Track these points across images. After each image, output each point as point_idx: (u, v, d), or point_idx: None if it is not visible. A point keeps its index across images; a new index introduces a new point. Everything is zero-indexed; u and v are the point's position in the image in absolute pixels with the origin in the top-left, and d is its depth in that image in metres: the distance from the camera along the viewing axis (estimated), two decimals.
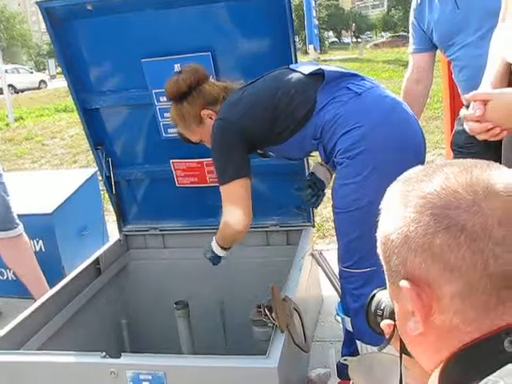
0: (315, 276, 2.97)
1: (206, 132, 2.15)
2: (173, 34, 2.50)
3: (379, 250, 0.78)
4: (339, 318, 2.50)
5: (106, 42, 2.55)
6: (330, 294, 3.12)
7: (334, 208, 1.97)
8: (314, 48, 18.29)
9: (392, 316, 0.85)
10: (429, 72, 2.42)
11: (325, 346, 2.71)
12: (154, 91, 2.65)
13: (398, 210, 0.72)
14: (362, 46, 29.99)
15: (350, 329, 2.12)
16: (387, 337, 0.84)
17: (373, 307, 0.93)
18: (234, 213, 2.06)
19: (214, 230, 2.99)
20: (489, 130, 1.39)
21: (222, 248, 2.29)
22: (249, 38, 2.49)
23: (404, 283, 0.70)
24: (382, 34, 57.08)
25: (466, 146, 2.24)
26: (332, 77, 1.95)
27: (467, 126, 1.46)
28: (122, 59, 2.59)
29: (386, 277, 0.78)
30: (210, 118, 2.14)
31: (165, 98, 2.62)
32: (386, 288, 0.88)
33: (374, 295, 0.94)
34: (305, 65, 2.13)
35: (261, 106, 2.01)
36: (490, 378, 0.64)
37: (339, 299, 2.64)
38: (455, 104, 2.89)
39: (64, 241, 3.36)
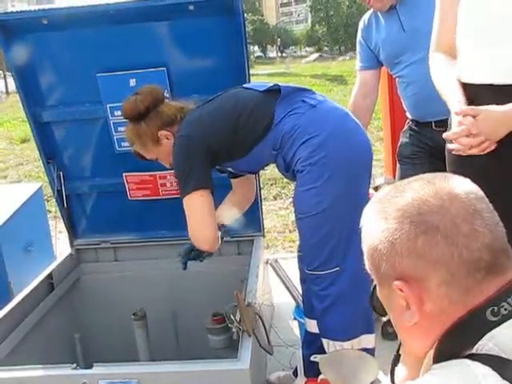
0: (267, 283, 3.07)
1: (163, 151, 2.21)
2: (129, 49, 2.55)
3: (367, 262, 0.92)
4: (295, 322, 2.60)
5: (61, 57, 2.58)
6: (281, 301, 3.23)
7: (296, 214, 2.08)
8: None
9: None
10: (375, 87, 2.60)
11: (280, 350, 2.79)
12: (108, 105, 2.68)
13: (380, 224, 0.87)
14: (288, 61, 30.52)
15: (313, 330, 2.22)
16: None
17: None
18: (199, 231, 2.11)
19: (166, 243, 3.07)
20: (479, 145, 1.46)
21: None
22: (204, 54, 2.58)
23: (397, 282, 0.84)
24: (306, 48, 58.47)
25: (411, 157, 2.42)
26: (287, 91, 2.08)
27: (457, 145, 1.51)
28: (77, 73, 2.61)
29: (377, 282, 0.92)
30: (167, 138, 2.19)
31: (119, 113, 2.66)
32: None
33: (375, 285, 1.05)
34: (257, 84, 2.26)
35: (221, 122, 2.10)
36: (479, 343, 0.79)
37: (295, 304, 2.76)
38: (395, 117, 3.08)
39: (10, 256, 3.28)
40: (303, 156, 1.98)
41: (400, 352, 0.97)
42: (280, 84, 2.13)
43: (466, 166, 1.57)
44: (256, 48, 54.95)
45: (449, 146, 1.56)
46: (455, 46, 1.65)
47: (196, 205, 2.08)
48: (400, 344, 0.96)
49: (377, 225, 0.87)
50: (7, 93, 24.34)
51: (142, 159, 2.34)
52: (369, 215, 0.91)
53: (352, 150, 2.03)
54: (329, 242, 1.98)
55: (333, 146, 1.97)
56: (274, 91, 2.10)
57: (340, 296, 2.02)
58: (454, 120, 1.53)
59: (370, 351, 2.10)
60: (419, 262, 0.82)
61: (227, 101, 2.15)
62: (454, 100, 1.55)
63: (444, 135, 1.55)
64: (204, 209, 2.08)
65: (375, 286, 1.04)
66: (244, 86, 2.27)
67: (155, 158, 2.28)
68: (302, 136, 1.99)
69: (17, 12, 2.48)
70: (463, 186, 0.86)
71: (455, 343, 0.81)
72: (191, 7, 2.40)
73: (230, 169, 2.29)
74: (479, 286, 0.82)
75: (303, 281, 2.27)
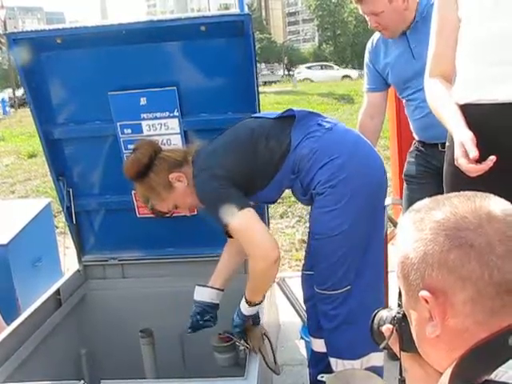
0: (274, 302, 3.07)
1: (178, 195, 2.18)
2: (140, 68, 2.58)
3: (397, 269, 0.92)
4: (302, 341, 2.60)
5: (73, 75, 2.61)
6: (287, 320, 3.22)
7: (313, 235, 2.07)
8: None
9: (391, 322, 1.00)
10: (382, 108, 2.62)
11: (286, 369, 2.79)
12: (118, 123, 2.70)
13: (415, 234, 0.88)
14: (295, 79, 30.62)
15: (320, 349, 2.22)
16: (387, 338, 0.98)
17: (376, 323, 1.05)
18: (259, 245, 1.96)
19: (173, 260, 3.08)
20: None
21: (252, 304, 2.15)
22: (214, 74, 2.61)
23: (424, 293, 0.85)
24: None
25: (418, 177, 2.44)
26: (302, 116, 2.10)
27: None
28: (88, 92, 2.64)
29: (403, 290, 0.92)
30: (179, 180, 2.15)
31: (129, 131, 2.70)
32: (383, 308, 1.03)
33: (375, 314, 1.06)
34: (267, 112, 2.29)
35: (239, 153, 2.08)
36: (499, 369, 0.79)
37: (302, 323, 2.75)
38: (402, 137, 3.09)
39: (18, 272, 3.29)
40: (323, 179, 1.99)
41: (403, 376, 0.97)
42: (294, 109, 2.14)
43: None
44: (263, 66, 55.29)
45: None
46: (450, 72, 1.67)
47: (250, 219, 1.96)
48: (401, 367, 0.97)
49: (412, 234, 0.88)
50: (15, 107, 24.56)
51: (160, 215, 2.30)
52: (405, 224, 0.92)
53: (370, 171, 2.05)
54: (345, 263, 2.00)
55: (353, 167, 2.00)
56: (287, 117, 2.11)
57: (349, 315, 2.03)
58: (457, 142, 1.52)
59: (379, 369, 2.10)
60: (449, 276, 0.83)
61: (241, 131, 2.14)
62: (457, 124, 1.55)
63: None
64: (256, 226, 1.97)
65: (375, 315, 1.06)
66: (253, 115, 2.28)
67: (173, 206, 2.22)
68: (321, 159, 2.00)
69: (32, 31, 2.52)
70: (503, 208, 0.86)
71: (474, 365, 0.82)
72: (203, 28, 2.43)
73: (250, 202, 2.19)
74: (506, 309, 0.81)
75: (308, 299, 2.26)
